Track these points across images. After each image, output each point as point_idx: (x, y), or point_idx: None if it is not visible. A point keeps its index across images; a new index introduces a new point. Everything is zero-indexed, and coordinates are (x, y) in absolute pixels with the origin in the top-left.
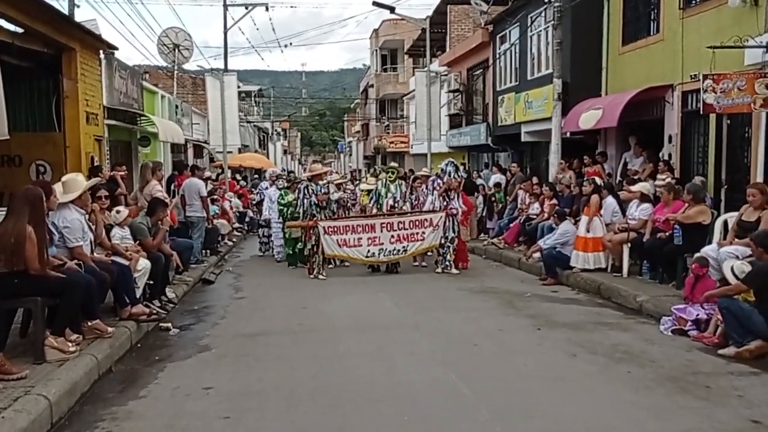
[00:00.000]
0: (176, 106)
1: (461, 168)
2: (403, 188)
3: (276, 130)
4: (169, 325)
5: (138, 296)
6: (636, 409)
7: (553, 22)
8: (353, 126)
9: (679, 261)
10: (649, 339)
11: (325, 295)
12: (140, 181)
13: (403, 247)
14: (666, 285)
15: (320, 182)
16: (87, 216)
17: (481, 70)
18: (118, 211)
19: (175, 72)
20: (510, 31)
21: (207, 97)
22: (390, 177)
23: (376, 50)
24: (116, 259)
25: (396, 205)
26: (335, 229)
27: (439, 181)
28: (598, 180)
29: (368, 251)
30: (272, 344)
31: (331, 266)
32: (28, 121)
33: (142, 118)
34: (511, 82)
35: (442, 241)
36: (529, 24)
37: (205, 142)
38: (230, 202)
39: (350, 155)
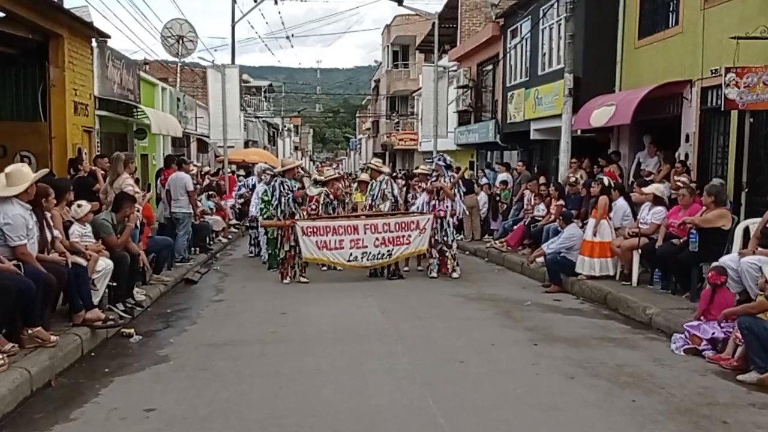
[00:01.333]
0: (178, 99)
1: (452, 165)
2: (383, 186)
3: (287, 127)
4: (132, 331)
5: (98, 299)
6: None
7: (565, 14)
8: (364, 123)
9: (694, 270)
10: (659, 359)
11: (309, 299)
12: (110, 174)
13: (388, 251)
14: (679, 296)
15: (294, 177)
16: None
17: (491, 66)
18: (79, 206)
19: (179, 65)
20: (521, 25)
21: (208, 90)
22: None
23: (388, 46)
24: (74, 258)
25: (374, 204)
26: (315, 230)
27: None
28: (606, 180)
29: (351, 254)
30: (237, 356)
31: (324, 269)
32: (14, 109)
33: (138, 109)
34: (521, 77)
35: (442, 247)
36: (540, 17)
37: (207, 136)
38: (234, 199)
39: (359, 153)
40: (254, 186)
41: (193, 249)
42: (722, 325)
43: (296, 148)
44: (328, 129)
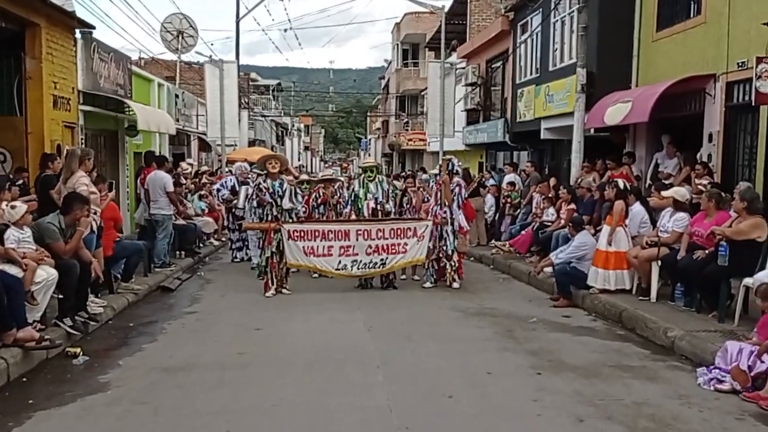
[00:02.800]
0: (176, 96)
1: (456, 166)
2: (385, 186)
3: (296, 127)
4: (77, 350)
5: (39, 314)
6: None
7: (578, 5)
8: (374, 123)
9: (723, 286)
10: (685, 396)
11: (291, 313)
12: (64, 172)
13: (381, 260)
14: (704, 315)
15: (277, 179)
16: None
17: (500, 62)
18: (12, 207)
19: (178, 60)
20: (531, 19)
21: (205, 86)
22: (369, 176)
23: (398, 44)
24: (6, 268)
25: (378, 207)
26: (302, 234)
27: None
28: (622, 183)
29: (339, 262)
30: (189, 385)
31: (315, 276)
32: None
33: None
34: (531, 74)
35: (439, 255)
36: (552, 9)
37: (204, 134)
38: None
39: (368, 153)
40: (233, 187)
41: (178, 253)
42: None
43: (306, 148)
44: (341, 129)
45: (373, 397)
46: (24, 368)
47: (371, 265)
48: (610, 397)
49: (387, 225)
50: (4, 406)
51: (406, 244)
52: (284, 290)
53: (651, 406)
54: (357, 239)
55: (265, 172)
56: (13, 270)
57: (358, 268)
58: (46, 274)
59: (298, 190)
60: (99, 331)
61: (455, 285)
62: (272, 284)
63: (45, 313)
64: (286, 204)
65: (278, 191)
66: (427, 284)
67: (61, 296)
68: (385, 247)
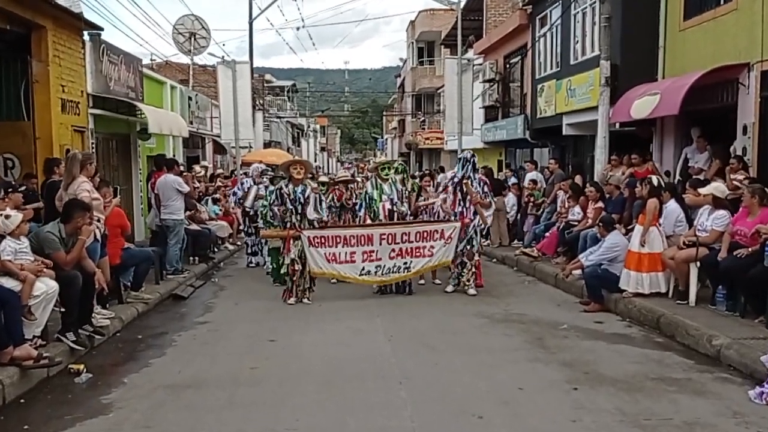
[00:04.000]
0: (189, 98)
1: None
2: (398, 186)
3: (312, 128)
4: (81, 367)
5: (40, 329)
6: None
7: None
8: (390, 122)
9: None
10: (739, 412)
11: (306, 322)
12: (65, 177)
13: (405, 263)
14: (750, 320)
15: (300, 185)
16: None
17: (519, 58)
18: (7, 217)
19: (191, 62)
20: (551, 11)
21: (218, 87)
22: (386, 174)
23: (413, 43)
24: (1, 281)
25: (394, 208)
26: (323, 241)
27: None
28: (656, 179)
29: (362, 268)
30: (197, 405)
31: (333, 282)
32: None
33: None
34: (551, 68)
35: (463, 259)
36: (572, 0)
37: (218, 136)
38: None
39: (385, 153)
40: (249, 189)
41: (192, 259)
42: None
43: (323, 149)
44: (357, 130)
45: (395, 416)
46: (22, 388)
47: (395, 269)
48: (657, 416)
49: (413, 228)
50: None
51: (432, 246)
52: (305, 300)
53: (704, 427)
54: (380, 243)
55: (288, 176)
56: (9, 283)
57: (382, 273)
58: (46, 286)
59: (323, 198)
60: (105, 345)
61: (471, 291)
62: (292, 294)
63: (46, 328)
64: (311, 214)
65: (299, 198)
66: (449, 288)
67: (63, 310)
68: (409, 250)
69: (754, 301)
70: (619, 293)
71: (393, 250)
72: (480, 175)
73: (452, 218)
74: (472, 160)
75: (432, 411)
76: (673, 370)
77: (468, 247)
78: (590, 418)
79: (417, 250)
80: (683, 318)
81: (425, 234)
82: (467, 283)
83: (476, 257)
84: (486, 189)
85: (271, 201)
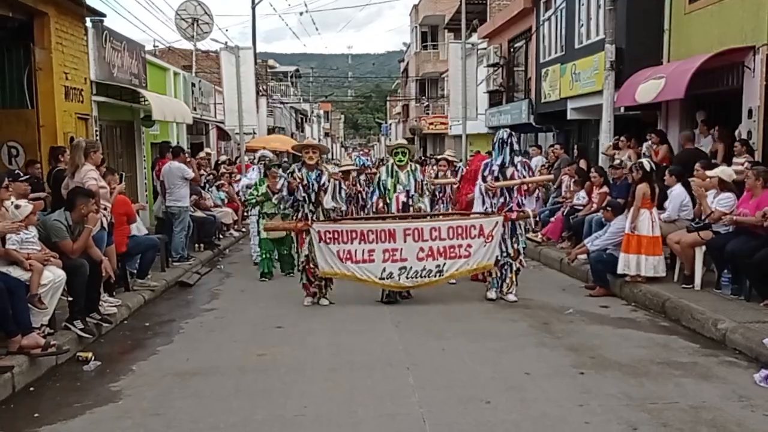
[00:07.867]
0: (193, 85)
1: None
2: (418, 176)
3: (316, 113)
4: (89, 355)
5: (48, 318)
6: None
7: None
8: (395, 107)
9: None
10: (745, 396)
11: (313, 308)
12: (70, 165)
13: (438, 266)
14: (755, 304)
15: (314, 170)
16: None
17: (523, 42)
18: (17, 206)
19: (194, 48)
20: None
21: (221, 73)
22: (400, 160)
23: (416, 27)
24: (9, 270)
25: (410, 202)
26: (336, 236)
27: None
28: (648, 164)
29: (383, 270)
30: (205, 392)
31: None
32: None
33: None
34: (556, 52)
35: (507, 260)
36: None
37: (222, 122)
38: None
39: (389, 138)
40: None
41: (197, 246)
42: None
43: (327, 134)
44: (361, 115)
45: (404, 404)
46: (31, 376)
47: (424, 273)
48: (663, 400)
49: (443, 222)
50: (9, 420)
51: (469, 245)
52: (323, 301)
53: (710, 410)
54: (405, 240)
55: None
56: (16, 272)
57: (408, 277)
58: (53, 275)
59: (343, 185)
60: (112, 333)
61: (511, 298)
62: (312, 291)
63: (54, 316)
64: (329, 203)
65: (313, 185)
66: (492, 294)
67: (70, 298)
68: (442, 249)
69: (759, 284)
70: (623, 277)
71: (422, 249)
72: (521, 158)
73: (489, 208)
74: (509, 140)
75: (439, 397)
76: (678, 354)
77: (515, 245)
78: (596, 402)
79: (451, 250)
80: (688, 302)
81: (459, 230)
82: (509, 289)
83: (518, 259)
84: (526, 172)
85: (281, 186)
